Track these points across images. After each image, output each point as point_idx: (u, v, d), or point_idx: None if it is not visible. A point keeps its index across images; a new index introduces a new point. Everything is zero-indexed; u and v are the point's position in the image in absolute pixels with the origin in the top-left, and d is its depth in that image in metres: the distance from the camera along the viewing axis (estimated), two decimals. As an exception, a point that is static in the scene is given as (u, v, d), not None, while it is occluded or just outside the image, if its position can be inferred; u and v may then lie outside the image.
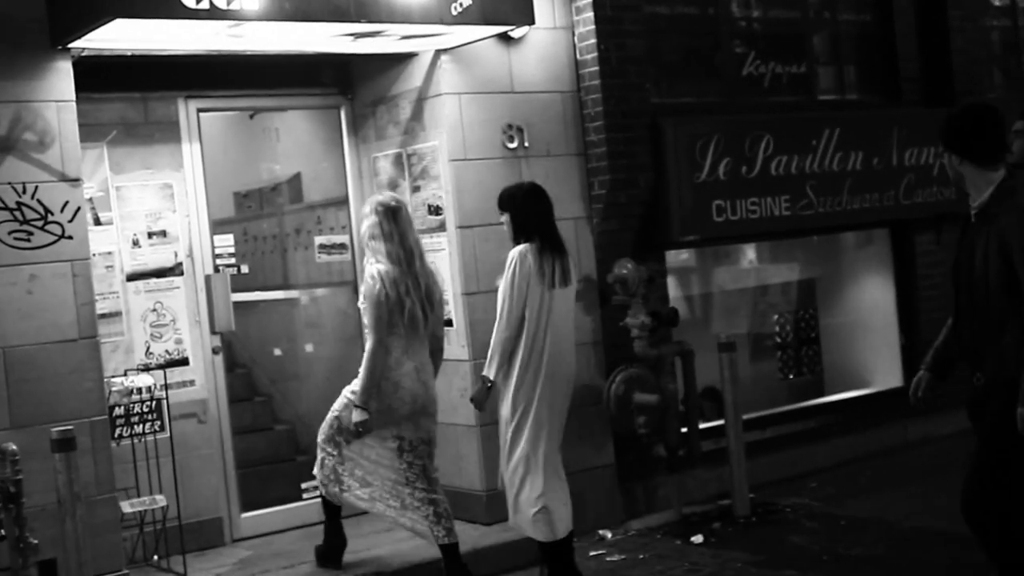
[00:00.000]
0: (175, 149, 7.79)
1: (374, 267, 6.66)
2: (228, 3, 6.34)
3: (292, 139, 9.15)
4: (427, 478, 6.82)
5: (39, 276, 6.60)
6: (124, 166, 7.62)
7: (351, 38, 7.19)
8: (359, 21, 6.80)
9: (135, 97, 7.67)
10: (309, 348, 8.63)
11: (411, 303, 6.63)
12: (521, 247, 6.59)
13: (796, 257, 10.01)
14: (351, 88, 8.45)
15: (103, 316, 7.38)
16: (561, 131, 8.10)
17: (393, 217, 6.72)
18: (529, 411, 6.58)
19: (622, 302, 7.97)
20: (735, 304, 9.82)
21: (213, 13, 6.33)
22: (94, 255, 7.30)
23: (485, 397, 6.70)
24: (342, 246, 8.54)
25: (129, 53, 7.07)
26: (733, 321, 9.75)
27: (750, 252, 9.92)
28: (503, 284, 6.60)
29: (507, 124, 7.85)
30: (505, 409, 6.67)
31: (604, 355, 8.12)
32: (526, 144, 7.91)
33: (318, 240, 8.70)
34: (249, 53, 7.38)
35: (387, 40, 7.36)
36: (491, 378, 6.62)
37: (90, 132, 7.35)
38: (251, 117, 9.02)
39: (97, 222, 7.47)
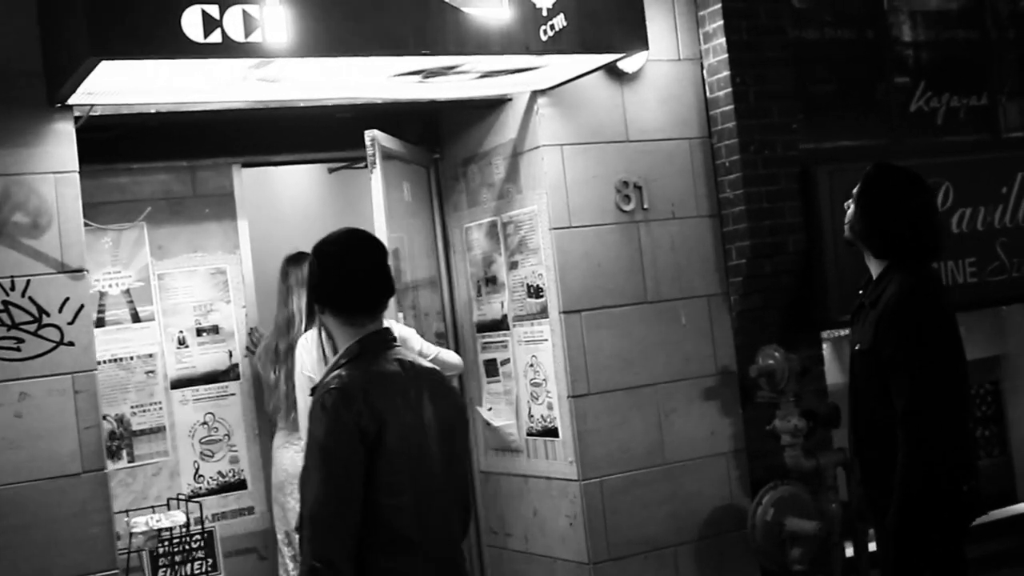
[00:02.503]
0: (229, 227, 6.52)
1: None
2: (247, 35, 4.87)
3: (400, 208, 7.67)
4: None
5: (31, 395, 5.23)
6: (168, 249, 6.40)
7: (418, 77, 5.71)
8: (420, 53, 5.30)
9: (181, 166, 6.42)
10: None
11: (274, 377, 6.18)
12: (303, 336, 5.70)
13: (976, 330, 8.21)
14: (439, 145, 7.05)
15: (142, 433, 6.28)
16: (689, 187, 6.65)
17: (284, 277, 6.33)
18: None
19: (768, 400, 6.46)
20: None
21: (229, 49, 4.86)
22: (131, 358, 6.22)
23: None
24: (442, 336, 7.04)
25: (153, 110, 5.70)
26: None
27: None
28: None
29: (622, 181, 6.43)
30: None
31: (747, 468, 6.64)
32: (645, 205, 6.47)
33: (435, 327, 7.17)
34: (303, 105, 5.99)
35: (464, 80, 5.88)
36: None
37: (128, 210, 6.26)
38: (330, 172, 7.89)
39: (136, 319, 6.27)
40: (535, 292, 6.36)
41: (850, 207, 4.67)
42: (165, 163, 6.38)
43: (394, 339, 3.72)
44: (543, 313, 6.32)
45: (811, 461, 6.39)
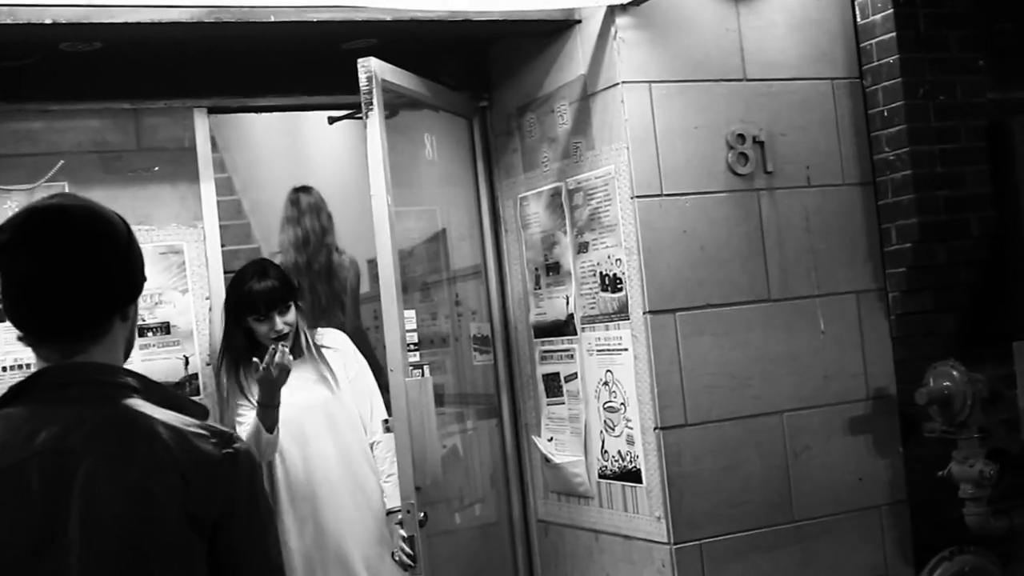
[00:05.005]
0: (187, 192, 5.40)
1: None
2: None
3: (429, 171, 6.57)
4: None
5: None
6: (102, 218, 5.20)
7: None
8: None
9: (121, 108, 5.31)
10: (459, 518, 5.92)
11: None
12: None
13: None
14: (487, 88, 5.83)
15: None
16: (832, 144, 5.41)
17: (294, 203, 6.93)
18: None
19: (941, 435, 5.22)
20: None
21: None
22: (46, 366, 4.97)
23: None
24: (484, 341, 5.82)
25: (48, 20, 4.45)
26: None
27: None
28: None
29: (736, 134, 5.17)
30: None
31: (910, 528, 5.41)
32: (769, 167, 5.22)
33: (473, 329, 6.02)
34: (278, 20, 4.78)
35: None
36: None
37: (43, 165, 5.15)
38: (330, 122, 6.97)
39: None
40: (612, 284, 5.07)
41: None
42: (97, 104, 5.28)
43: (109, 380, 2.38)
44: (622, 313, 5.04)
45: (1002, 521, 5.16)
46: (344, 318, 6.82)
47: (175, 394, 2.52)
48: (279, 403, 4.96)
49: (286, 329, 5.14)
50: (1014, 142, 5.49)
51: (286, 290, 5.19)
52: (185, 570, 2.25)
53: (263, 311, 5.10)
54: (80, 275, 2.32)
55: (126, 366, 2.41)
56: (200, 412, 2.41)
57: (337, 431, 5.25)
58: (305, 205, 6.83)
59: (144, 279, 2.45)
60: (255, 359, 4.93)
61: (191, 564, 2.25)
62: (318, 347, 5.29)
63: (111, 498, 2.22)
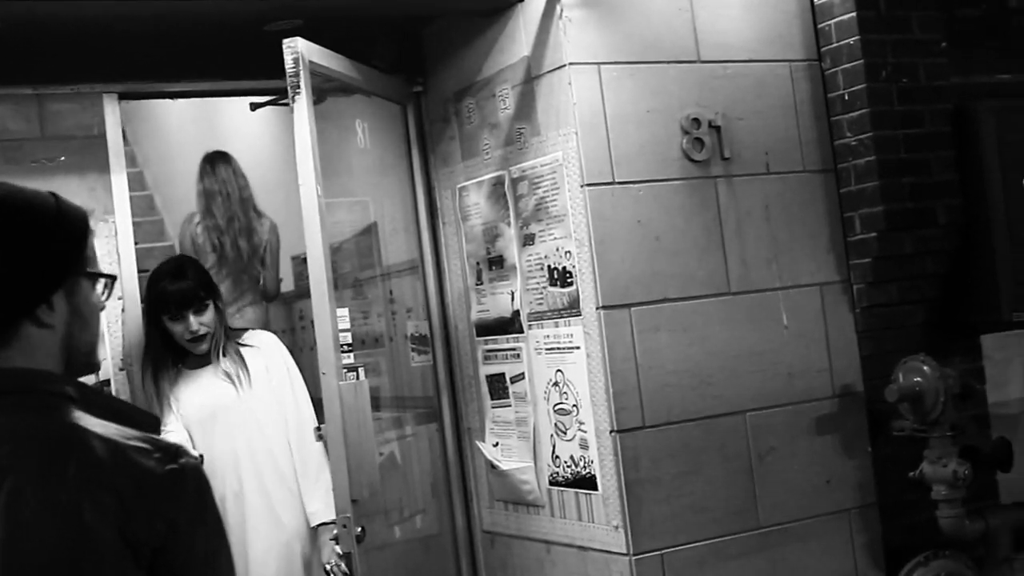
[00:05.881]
0: (97, 183, 5.25)
1: None
2: None
3: (361, 160, 6.40)
4: None
5: None
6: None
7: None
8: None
9: (23, 93, 5.15)
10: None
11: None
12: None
13: None
14: (422, 72, 5.63)
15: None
16: (791, 129, 5.27)
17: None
18: None
19: (911, 433, 5.07)
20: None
21: None
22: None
23: None
24: (422, 341, 5.62)
25: None
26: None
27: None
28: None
29: (691, 118, 5.00)
30: None
31: (880, 532, 5.25)
32: (726, 153, 5.05)
33: (410, 328, 5.81)
34: None
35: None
36: None
37: None
38: (252, 109, 6.72)
39: None
40: (561, 278, 4.87)
41: None
42: (-1, 89, 5.08)
43: (39, 388, 2.16)
44: (573, 308, 4.83)
45: (978, 523, 5.03)
46: (264, 273, 7.03)
47: (120, 403, 2.32)
48: None
49: (202, 330, 4.95)
50: (980, 127, 5.39)
51: (203, 289, 5.00)
52: None
53: (174, 311, 4.92)
54: None
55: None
56: (150, 423, 2.21)
57: (240, 435, 5.02)
58: (221, 167, 6.97)
59: (64, 275, 2.20)
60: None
61: None
62: (230, 346, 5.07)
63: (37, 519, 2.02)
